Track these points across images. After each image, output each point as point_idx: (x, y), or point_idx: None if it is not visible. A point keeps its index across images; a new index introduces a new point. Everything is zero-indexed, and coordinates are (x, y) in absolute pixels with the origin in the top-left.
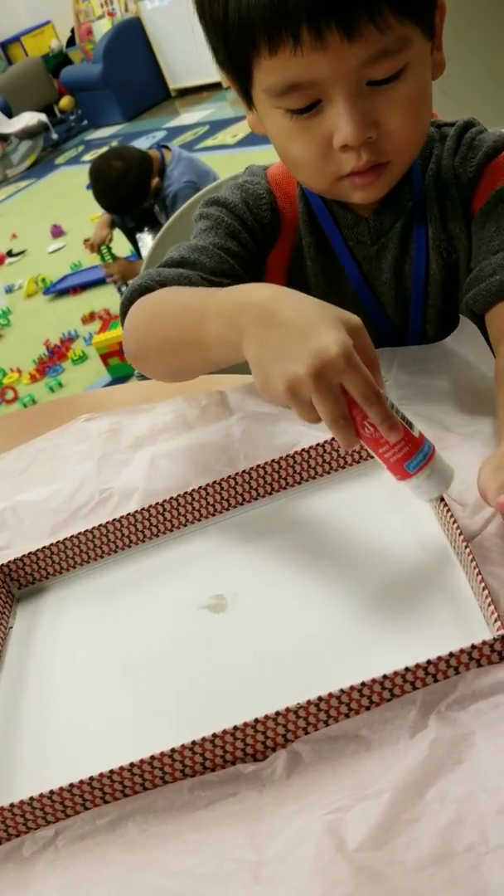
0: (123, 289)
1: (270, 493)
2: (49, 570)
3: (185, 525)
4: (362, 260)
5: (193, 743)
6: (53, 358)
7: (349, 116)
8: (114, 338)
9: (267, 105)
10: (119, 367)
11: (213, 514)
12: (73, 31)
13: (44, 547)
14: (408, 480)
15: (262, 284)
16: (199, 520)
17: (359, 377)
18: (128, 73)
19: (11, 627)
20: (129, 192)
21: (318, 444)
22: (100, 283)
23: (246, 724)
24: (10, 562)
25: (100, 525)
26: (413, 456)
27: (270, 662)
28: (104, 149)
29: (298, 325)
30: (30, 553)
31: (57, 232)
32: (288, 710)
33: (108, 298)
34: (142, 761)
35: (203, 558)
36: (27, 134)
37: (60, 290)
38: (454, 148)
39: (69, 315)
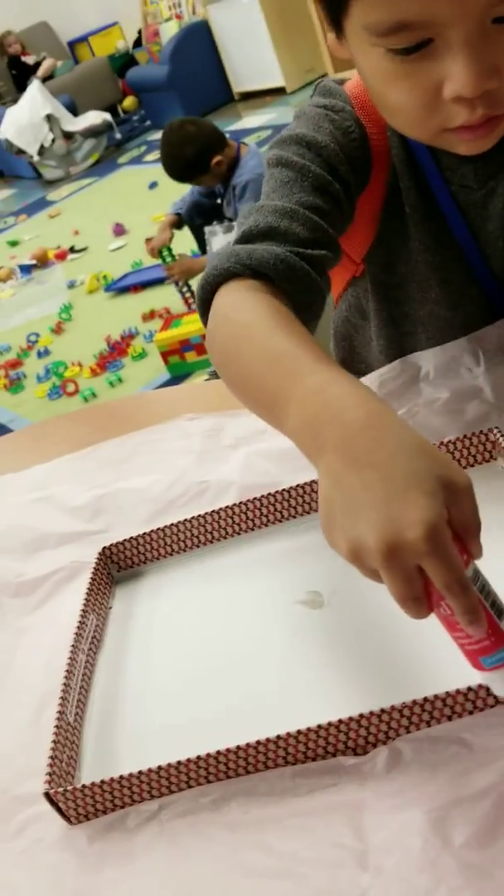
0: (185, 289)
1: None
2: (148, 556)
3: (280, 521)
4: (466, 206)
5: (298, 732)
6: (114, 353)
7: (467, 64)
8: (174, 336)
9: (364, 42)
10: (178, 366)
11: (310, 512)
12: (139, 32)
13: (144, 533)
14: (480, 672)
15: (358, 391)
16: (294, 517)
17: (442, 565)
18: (192, 75)
19: (111, 608)
20: (186, 157)
21: None
22: (160, 282)
23: (350, 719)
24: (111, 545)
25: (198, 515)
26: (494, 652)
27: (367, 662)
28: None
29: (386, 477)
30: (129, 538)
31: (119, 230)
32: (392, 707)
33: (168, 297)
34: (247, 745)
35: (299, 554)
36: (91, 133)
37: (121, 288)
38: None
39: (129, 312)
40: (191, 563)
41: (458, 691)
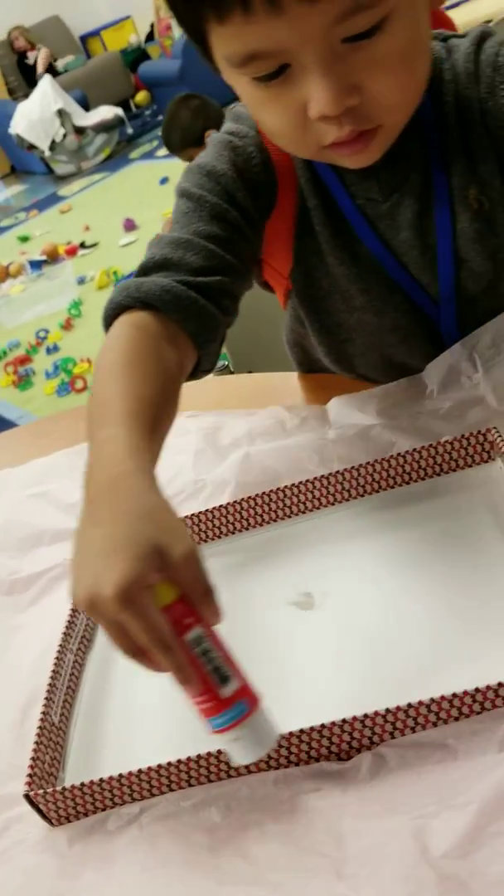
0: None
1: (363, 495)
2: None
3: (276, 520)
4: (375, 219)
5: (280, 736)
6: None
7: (324, 84)
8: None
9: (231, 72)
10: None
11: (305, 512)
12: (152, 26)
13: None
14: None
15: (122, 452)
16: (289, 516)
17: (134, 625)
18: (205, 69)
19: None
20: (182, 125)
21: (414, 450)
22: None
23: (333, 724)
24: None
25: (192, 514)
26: (217, 715)
27: (357, 664)
28: None
29: (106, 536)
30: None
31: (130, 226)
32: (376, 713)
33: None
34: None
35: (292, 554)
36: (103, 127)
37: None
38: (474, 72)
39: None
40: None
41: (442, 697)
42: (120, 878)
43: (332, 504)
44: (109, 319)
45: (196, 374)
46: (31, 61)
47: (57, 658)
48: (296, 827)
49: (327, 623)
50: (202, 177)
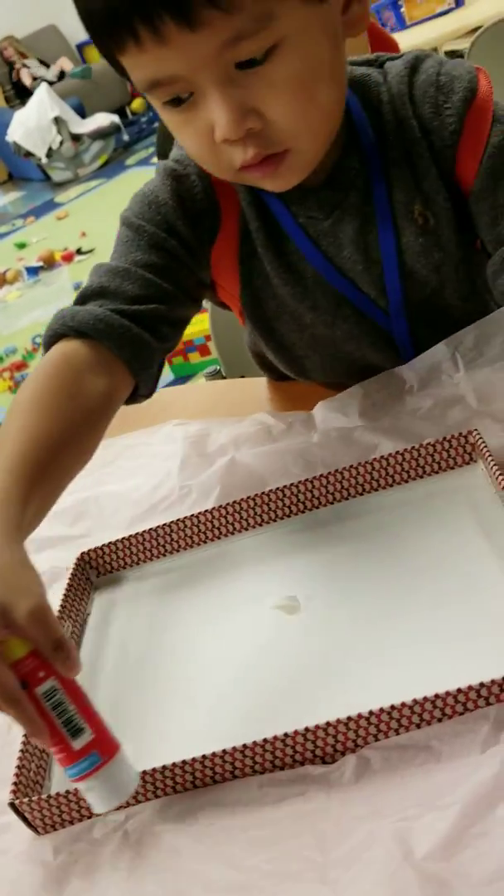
0: None
1: (347, 499)
2: (126, 561)
3: (261, 525)
4: (317, 236)
5: (265, 741)
6: None
7: (222, 109)
8: None
9: (152, 99)
10: (181, 367)
11: (289, 516)
12: None
13: (122, 538)
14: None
15: None
16: (274, 520)
17: None
18: None
19: (89, 614)
20: (171, 139)
21: (397, 452)
22: None
23: (317, 727)
24: (89, 550)
25: (177, 520)
26: (71, 765)
27: (342, 668)
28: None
29: None
30: (109, 543)
31: None
32: (360, 715)
33: None
34: (213, 755)
35: (278, 558)
36: (99, 134)
37: None
38: (407, 92)
39: None
40: (170, 568)
41: (425, 698)
42: (105, 885)
43: (317, 507)
44: (46, 347)
45: (136, 398)
46: (17, 76)
47: None
48: (281, 831)
49: (312, 626)
50: (144, 206)
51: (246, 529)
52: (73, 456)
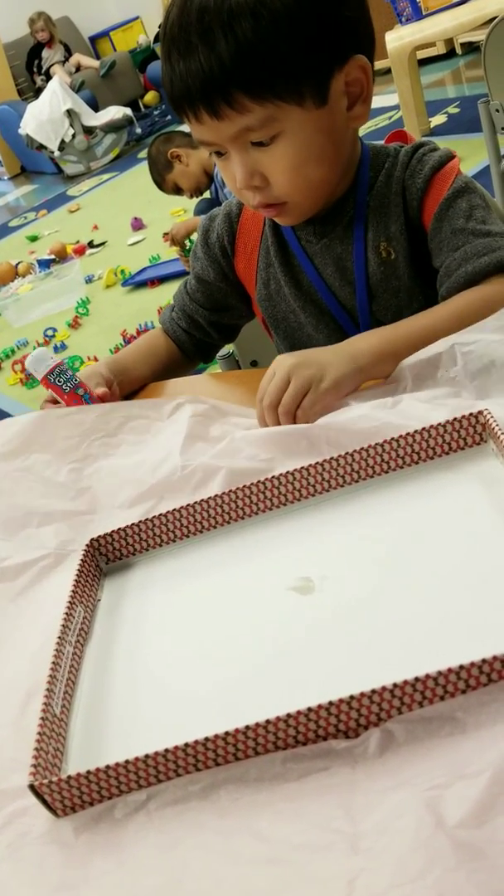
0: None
1: (357, 481)
2: (136, 547)
3: (271, 509)
4: (312, 255)
5: (288, 716)
6: None
7: (238, 166)
8: None
9: None
10: None
11: (299, 499)
12: (160, 26)
13: (132, 524)
14: None
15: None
16: (284, 504)
17: None
18: None
19: (100, 600)
20: (153, 164)
21: (407, 434)
22: (177, 276)
23: (340, 701)
24: (99, 537)
25: (187, 505)
26: None
27: (360, 645)
28: None
29: None
30: (118, 529)
31: (137, 225)
32: (384, 688)
33: None
34: (236, 730)
35: (289, 541)
36: (112, 127)
37: (138, 283)
38: (406, 163)
39: (146, 307)
40: (181, 554)
41: (449, 670)
42: (131, 863)
43: (327, 490)
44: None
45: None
46: (45, 61)
47: (56, 650)
48: (308, 805)
49: (328, 605)
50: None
51: (256, 514)
52: (139, 366)
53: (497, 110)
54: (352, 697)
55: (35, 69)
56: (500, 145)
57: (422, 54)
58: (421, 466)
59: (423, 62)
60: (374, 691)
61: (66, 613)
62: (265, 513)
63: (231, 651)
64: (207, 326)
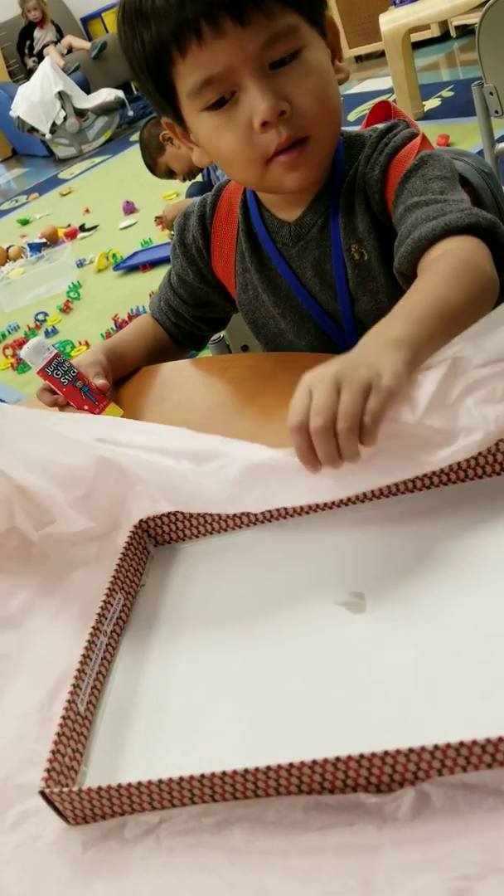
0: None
1: (412, 491)
2: (185, 533)
3: (323, 510)
4: (289, 259)
5: (314, 762)
6: None
7: (260, 94)
8: None
9: (194, 113)
10: None
11: (364, 501)
12: None
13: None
14: None
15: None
16: (331, 507)
17: None
18: None
19: (143, 585)
20: (144, 147)
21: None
22: (169, 260)
23: (374, 755)
24: (148, 519)
25: None
26: None
27: (409, 682)
28: None
29: None
30: (168, 513)
31: (129, 208)
32: (423, 748)
33: None
34: (256, 769)
35: (341, 550)
36: (104, 110)
37: (130, 267)
38: (369, 155)
39: (138, 291)
40: (228, 545)
41: (500, 739)
42: (130, 892)
43: (395, 494)
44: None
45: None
46: (36, 42)
47: (89, 641)
48: (323, 866)
49: (380, 631)
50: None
51: (308, 513)
52: (133, 350)
53: (491, 93)
54: (386, 753)
55: (27, 50)
56: (493, 129)
57: (416, 37)
58: (486, 481)
59: (418, 45)
60: (411, 750)
61: (105, 600)
62: (317, 512)
63: (268, 671)
64: (193, 321)
